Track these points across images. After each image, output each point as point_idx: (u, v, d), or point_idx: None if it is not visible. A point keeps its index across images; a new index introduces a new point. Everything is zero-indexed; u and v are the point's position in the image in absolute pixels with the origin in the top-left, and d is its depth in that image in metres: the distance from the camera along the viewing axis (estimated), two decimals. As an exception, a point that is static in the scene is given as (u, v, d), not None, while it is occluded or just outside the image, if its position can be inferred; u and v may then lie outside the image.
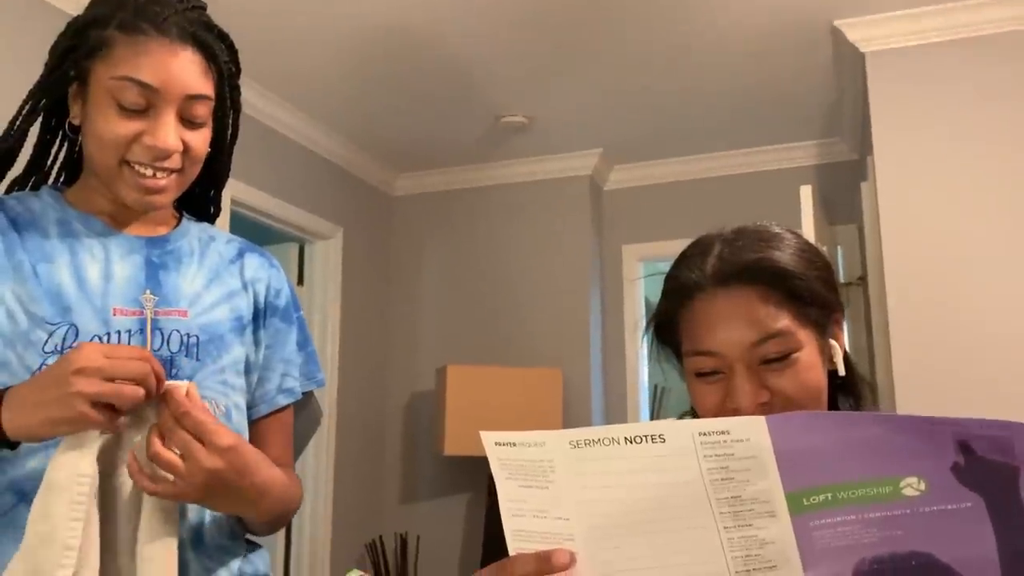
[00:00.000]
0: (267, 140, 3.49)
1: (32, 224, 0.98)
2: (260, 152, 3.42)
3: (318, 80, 3.30)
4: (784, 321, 0.84)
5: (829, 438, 0.59)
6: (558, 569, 0.63)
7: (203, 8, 1.01)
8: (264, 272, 1.12)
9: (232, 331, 1.04)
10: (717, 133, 3.81)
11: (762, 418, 0.59)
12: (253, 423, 1.09)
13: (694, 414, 0.92)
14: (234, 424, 1.02)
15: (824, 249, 0.88)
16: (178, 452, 0.85)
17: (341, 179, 4.00)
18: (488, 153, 4.08)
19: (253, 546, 1.09)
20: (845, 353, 0.92)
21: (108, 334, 0.94)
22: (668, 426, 0.61)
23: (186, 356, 0.98)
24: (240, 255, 1.12)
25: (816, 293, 0.87)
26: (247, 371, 1.07)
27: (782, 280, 0.85)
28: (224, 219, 3.10)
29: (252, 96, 3.26)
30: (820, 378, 0.86)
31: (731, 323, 0.84)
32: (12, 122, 1.00)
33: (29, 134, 1.02)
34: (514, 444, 0.64)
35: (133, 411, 0.85)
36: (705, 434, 0.60)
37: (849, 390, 0.95)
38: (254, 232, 3.06)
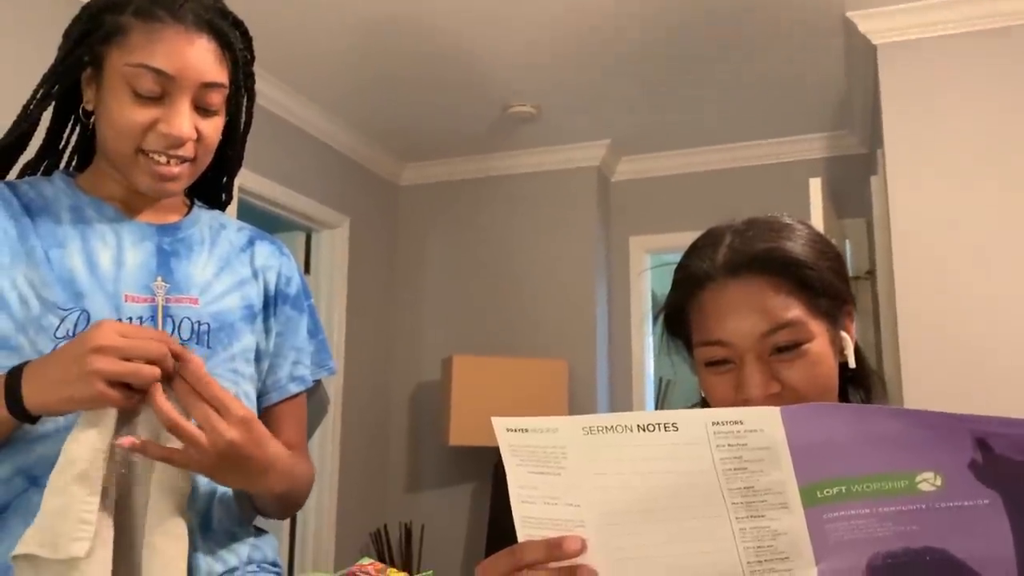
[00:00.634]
0: (275, 129, 3.48)
1: (44, 209, 0.98)
2: (268, 141, 3.42)
3: (326, 69, 3.29)
4: (795, 311, 0.84)
5: (844, 431, 0.59)
6: (569, 556, 0.62)
7: None
8: (275, 260, 1.12)
9: (242, 319, 1.04)
10: (726, 125, 3.79)
11: (776, 409, 0.59)
12: (265, 410, 1.09)
13: (702, 407, 0.91)
14: None
15: (833, 243, 0.88)
16: (196, 423, 0.85)
17: (348, 168, 4.00)
18: (495, 143, 4.07)
19: (261, 532, 1.09)
20: (856, 345, 0.92)
21: (120, 321, 0.94)
22: (682, 415, 0.60)
23: (196, 344, 0.98)
24: (251, 243, 1.12)
25: (828, 283, 0.86)
26: (257, 359, 1.07)
27: (793, 270, 0.85)
28: (231, 207, 3.10)
29: (260, 84, 3.24)
30: (831, 369, 0.86)
31: (742, 313, 0.84)
32: (26, 107, 1.00)
33: (42, 119, 1.02)
34: (526, 430, 0.63)
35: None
36: (719, 423, 0.59)
37: (860, 383, 0.95)
38: (261, 220, 3.06)
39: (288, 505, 1.07)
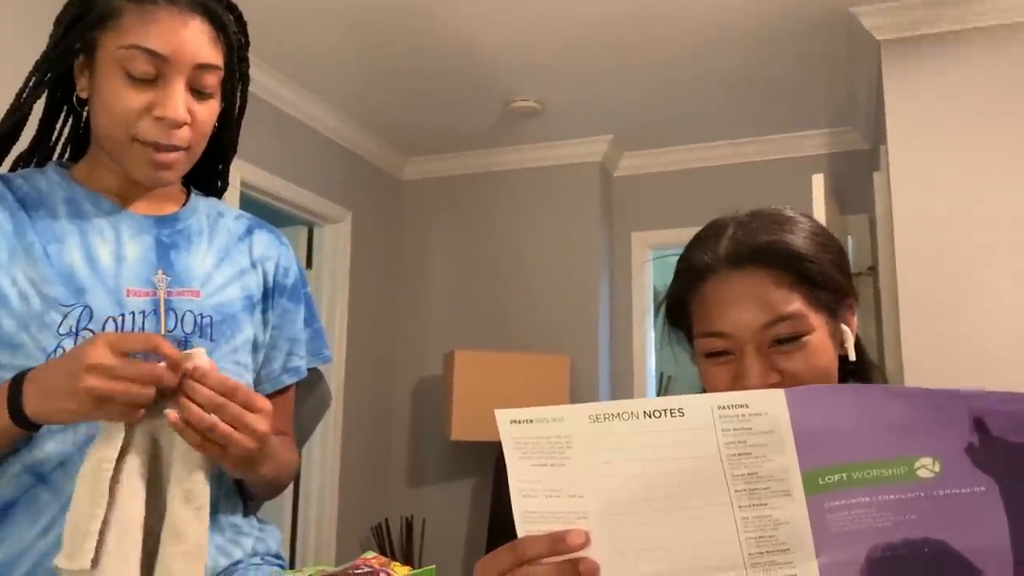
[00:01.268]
0: (277, 122, 3.48)
1: (40, 204, 0.97)
2: (270, 134, 3.42)
3: (329, 63, 3.29)
4: (795, 304, 0.84)
5: (847, 413, 0.59)
6: (572, 549, 0.62)
7: None
8: (274, 250, 1.12)
9: (243, 310, 1.04)
10: (729, 120, 3.78)
11: (781, 391, 0.59)
12: None
13: None
14: None
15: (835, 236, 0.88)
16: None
17: (350, 162, 4.00)
18: (498, 138, 4.07)
19: (265, 525, 1.09)
20: (857, 339, 0.92)
21: (122, 315, 0.94)
22: (688, 400, 0.60)
23: (200, 337, 0.98)
24: (249, 232, 1.11)
25: (828, 277, 0.86)
26: (254, 349, 1.07)
27: (794, 263, 0.85)
28: (234, 201, 3.10)
29: (263, 77, 3.25)
30: (830, 362, 0.86)
31: (742, 304, 0.84)
32: (18, 95, 0.99)
33: (34, 109, 1.01)
34: (531, 421, 0.63)
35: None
36: (724, 407, 0.59)
37: (860, 376, 0.95)
38: (263, 214, 3.05)
39: (274, 488, 1.08)
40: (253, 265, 1.08)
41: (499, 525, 3.48)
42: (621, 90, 3.49)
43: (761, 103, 3.59)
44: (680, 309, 0.92)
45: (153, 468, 0.87)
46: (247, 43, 1.06)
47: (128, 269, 0.97)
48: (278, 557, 1.08)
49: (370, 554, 0.89)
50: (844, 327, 0.90)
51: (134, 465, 0.84)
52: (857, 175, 3.72)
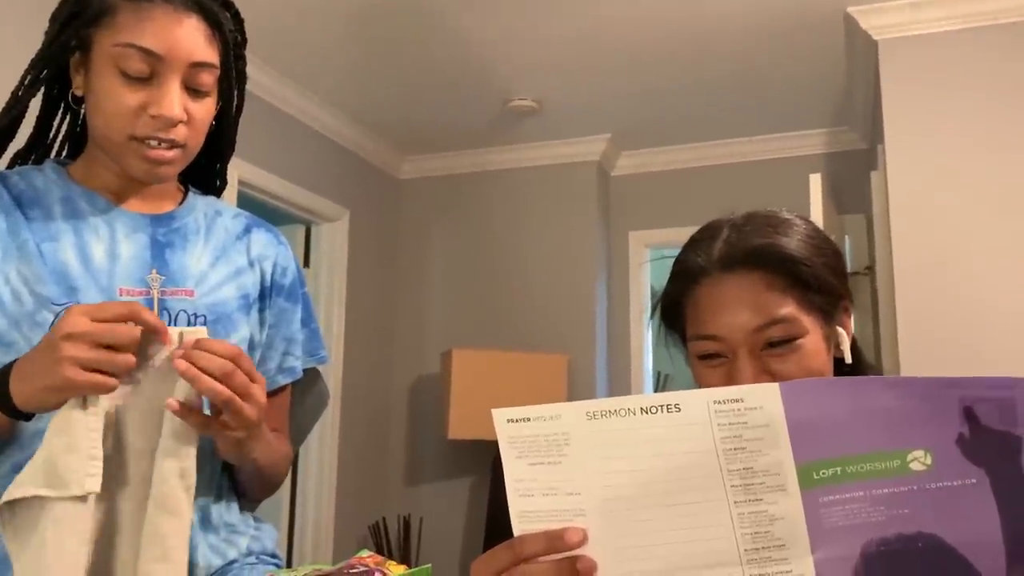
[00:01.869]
0: (275, 121, 3.48)
1: (36, 201, 0.97)
2: (267, 133, 3.41)
3: (327, 61, 3.29)
4: (789, 307, 0.84)
5: (840, 406, 0.60)
6: (570, 547, 0.62)
7: None
8: (272, 249, 1.11)
9: (239, 309, 1.03)
10: (726, 120, 3.79)
11: (775, 385, 0.59)
12: None
13: None
14: None
15: (832, 238, 0.88)
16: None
17: (348, 161, 3.99)
18: (496, 137, 4.07)
19: (260, 523, 1.09)
20: (853, 340, 0.92)
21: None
22: (684, 395, 0.61)
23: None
24: (247, 231, 1.11)
25: (822, 280, 0.86)
26: (250, 349, 1.06)
27: (788, 266, 0.85)
28: (231, 200, 3.10)
29: (260, 76, 3.25)
30: (824, 364, 0.86)
31: (735, 308, 0.84)
32: (14, 93, 0.99)
33: (30, 107, 1.01)
34: (528, 419, 0.63)
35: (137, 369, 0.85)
36: (720, 402, 0.60)
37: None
38: (260, 213, 3.04)
39: (269, 483, 1.08)
40: (251, 264, 1.08)
41: (496, 524, 3.48)
42: (619, 90, 3.49)
43: (758, 103, 3.59)
44: (674, 311, 0.92)
45: (113, 442, 0.86)
46: (244, 41, 1.05)
47: (122, 268, 0.96)
48: (274, 556, 1.08)
49: (365, 553, 0.89)
50: (840, 329, 0.90)
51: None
52: (854, 175, 3.72)
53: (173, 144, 0.95)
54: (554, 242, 4.09)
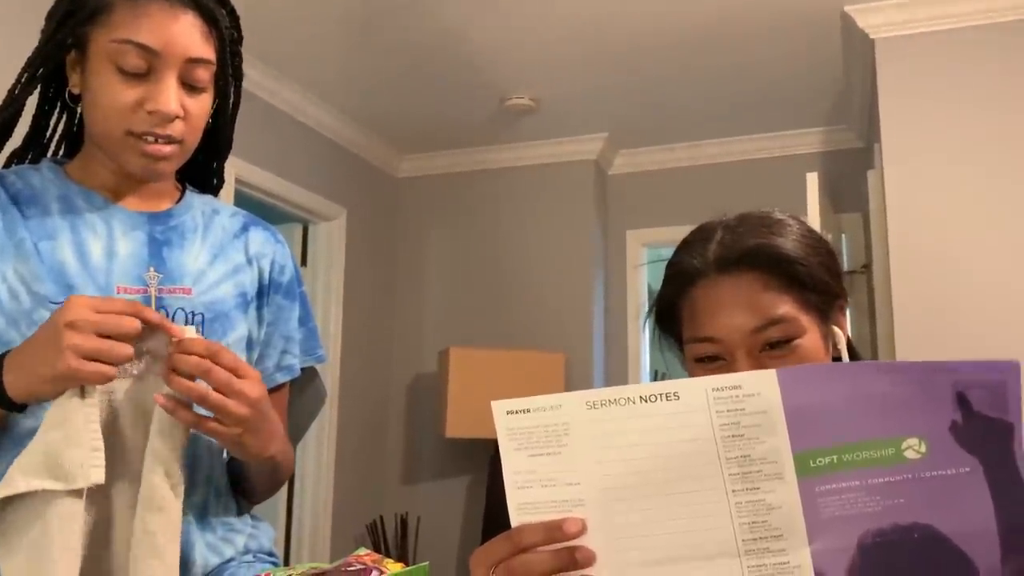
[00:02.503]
0: (271, 120, 3.48)
1: (33, 200, 0.97)
2: (265, 131, 3.41)
3: (324, 59, 3.28)
4: (785, 307, 0.84)
5: (836, 393, 0.60)
6: (569, 537, 0.62)
7: None
8: (269, 247, 1.11)
9: (237, 308, 1.04)
10: (723, 119, 3.79)
11: (772, 371, 0.60)
12: None
13: None
14: None
15: (828, 237, 0.88)
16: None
17: (345, 160, 3.99)
18: (493, 136, 4.07)
19: (258, 521, 1.09)
20: (848, 339, 0.92)
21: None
22: (683, 383, 0.61)
23: None
24: (245, 229, 1.11)
25: (818, 279, 0.86)
26: (248, 347, 1.06)
27: (783, 266, 0.85)
28: (228, 198, 3.10)
29: (257, 74, 3.24)
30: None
31: (732, 309, 0.84)
32: (10, 91, 0.99)
33: (27, 106, 1.01)
34: (528, 410, 0.63)
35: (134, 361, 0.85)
36: (718, 389, 0.61)
37: None
38: (258, 212, 3.04)
39: (275, 481, 1.08)
40: (249, 262, 1.08)
41: (494, 521, 3.48)
42: (616, 88, 3.49)
43: (755, 101, 3.60)
44: (670, 314, 0.92)
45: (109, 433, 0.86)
46: (240, 38, 1.05)
47: (119, 266, 0.96)
48: (271, 555, 1.08)
49: (363, 551, 0.89)
50: (836, 328, 0.90)
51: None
52: (851, 173, 3.73)
53: (170, 140, 0.95)
54: (551, 241, 4.10)
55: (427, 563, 0.87)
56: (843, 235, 3.66)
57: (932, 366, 0.61)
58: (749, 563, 0.61)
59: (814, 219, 2.83)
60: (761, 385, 0.60)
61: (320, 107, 3.69)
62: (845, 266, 3.52)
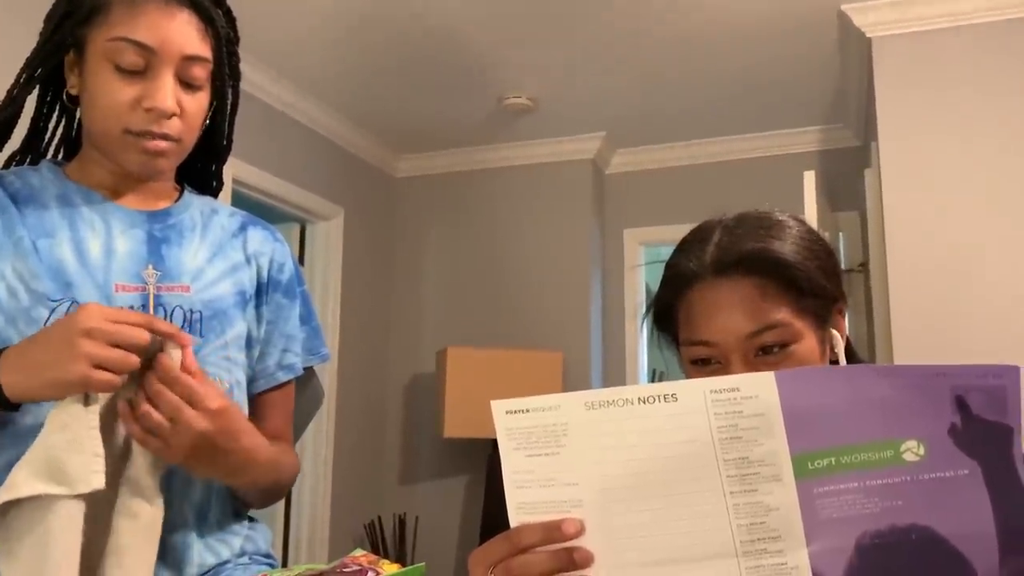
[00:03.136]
0: (269, 119, 3.47)
1: (32, 199, 0.97)
2: (262, 131, 3.41)
3: (321, 59, 3.28)
4: (782, 312, 0.84)
5: (834, 396, 0.60)
6: (567, 538, 0.62)
7: None
8: (268, 246, 1.11)
9: (235, 306, 1.04)
10: (720, 117, 3.79)
11: (771, 374, 0.60)
12: (252, 398, 1.08)
13: None
14: (235, 400, 1.02)
15: (826, 235, 0.88)
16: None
17: (343, 159, 3.99)
18: (491, 135, 4.07)
19: (254, 523, 1.09)
20: (848, 341, 0.92)
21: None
22: (681, 385, 0.62)
23: (189, 332, 0.97)
24: (243, 228, 1.11)
25: (816, 283, 0.86)
26: (248, 346, 1.06)
27: (781, 271, 0.85)
28: (226, 198, 3.09)
29: (255, 74, 3.24)
30: None
31: (728, 313, 0.84)
32: (9, 92, 0.99)
33: (26, 107, 1.01)
34: (527, 410, 0.63)
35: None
36: (716, 391, 0.61)
37: None
38: (255, 212, 3.04)
39: (270, 496, 1.08)
40: (247, 260, 1.08)
41: (492, 523, 3.48)
42: (613, 87, 3.49)
43: (752, 100, 3.60)
44: (667, 315, 0.91)
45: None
46: (236, 37, 1.06)
47: (118, 263, 0.97)
48: (268, 556, 1.08)
49: (359, 552, 0.89)
50: (834, 332, 0.89)
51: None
52: (848, 172, 3.73)
53: (167, 137, 0.95)
54: (549, 240, 4.10)
55: (423, 564, 0.87)
56: (840, 234, 3.66)
57: (931, 370, 0.61)
58: (747, 564, 0.61)
59: (811, 218, 2.83)
60: (759, 387, 0.60)
61: (318, 107, 3.69)
62: (842, 265, 3.51)
